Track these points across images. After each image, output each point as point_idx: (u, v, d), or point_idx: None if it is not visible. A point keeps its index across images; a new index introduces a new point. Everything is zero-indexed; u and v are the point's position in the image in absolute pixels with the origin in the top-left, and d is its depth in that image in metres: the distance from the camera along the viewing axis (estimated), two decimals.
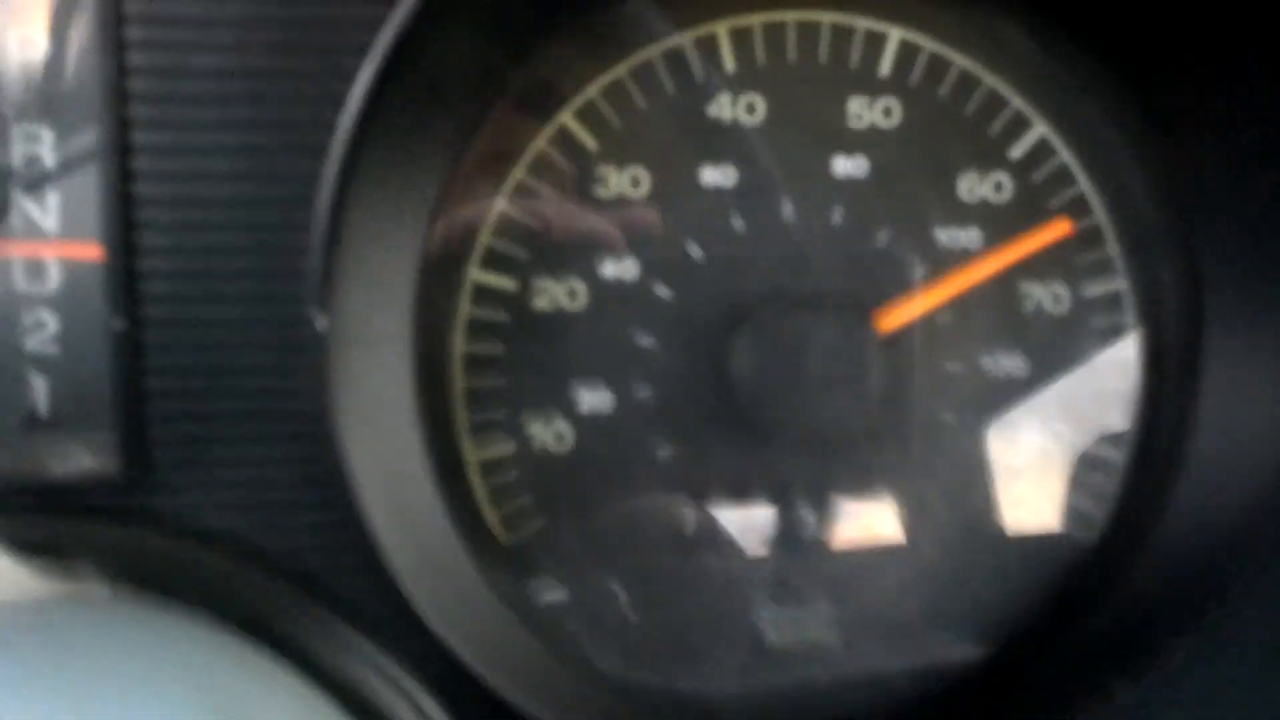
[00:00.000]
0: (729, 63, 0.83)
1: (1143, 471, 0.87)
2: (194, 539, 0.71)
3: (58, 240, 0.71)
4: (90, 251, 0.71)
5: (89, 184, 0.70)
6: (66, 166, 0.71)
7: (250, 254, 0.70)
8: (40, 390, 0.71)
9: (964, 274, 0.85)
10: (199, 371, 0.71)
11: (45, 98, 0.70)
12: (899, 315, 0.84)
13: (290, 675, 0.68)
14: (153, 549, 0.71)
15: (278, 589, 0.71)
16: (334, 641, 0.71)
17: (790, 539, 0.86)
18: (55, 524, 0.70)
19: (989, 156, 0.86)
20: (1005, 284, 0.87)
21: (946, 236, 0.85)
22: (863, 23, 0.84)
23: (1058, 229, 0.86)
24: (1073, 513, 0.88)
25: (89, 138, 0.70)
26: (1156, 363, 0.87)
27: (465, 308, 0.82)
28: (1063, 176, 0.86)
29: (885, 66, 0.85)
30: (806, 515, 0.86)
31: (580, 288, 0.83)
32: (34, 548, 0.68)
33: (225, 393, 0.71)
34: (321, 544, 0.72)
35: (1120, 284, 0.88)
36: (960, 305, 0.86)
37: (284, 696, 0.67)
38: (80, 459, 0.71)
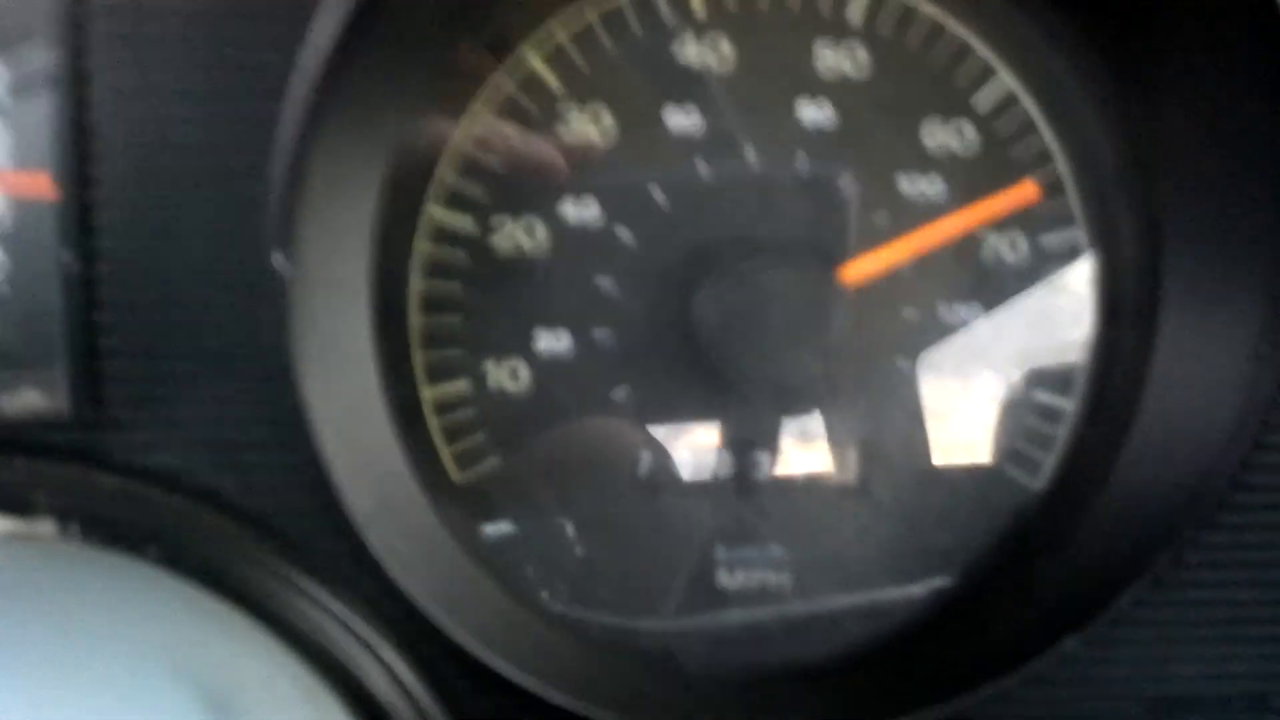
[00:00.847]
0: (698, 6, 0.82)
1: (1094, 420, 0.88)
2: (146, 478, 0.70)
3: (7, 172, 0.70)
4: (41, 185, 0.70)
5: (41, 116, 0.69)
6: (19, 96, 0.69)
7: (209, 193, 0.69)
8: None
9: (928, 231, 0.85)
10: (154, 309, 0.70)
11: None
12: (862, 269, 0.84)
13: (245, 618, 0.68)
14: (104, 488, 0.70)
15: (231, 530, 0.71)
16: (288, 584, 0.71)
17: (745, 481, 0.87)
18: (4, 462, 0.69)
19: (954, 106, 0.85)
20: (965, 234, 0.86)
21: (910, 185, 0.85)
22: None
23: (1024, 192, 0.86)
24: (1024, 459, 0.89)
25: (42, 69, 0.68)
26: (1112, 312, 0.88)
27: (425, 246, 0.81)
28: (1027, 128, 0.86)
29: (855, 13, 0.84)
30: (761, 458, 0.86)
31: (540, 229, 0.82)
32: None
33: (180, 331, 0.70)
34: (277, 484, 0.72)
35: (1079, 235, 0.88)
36: (922, 257, 0.85)
37: (238, 640, 0.67)
38: (30, 396, 0.70)
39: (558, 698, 0.74)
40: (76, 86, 0.67)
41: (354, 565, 0.72)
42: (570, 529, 0.85)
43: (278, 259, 0.67)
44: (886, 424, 0.88)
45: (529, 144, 0.82)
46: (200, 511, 0.71)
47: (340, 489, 0.70)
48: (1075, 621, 0.78)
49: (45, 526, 0.68)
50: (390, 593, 0.72)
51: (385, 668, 0.71)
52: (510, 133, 0.81)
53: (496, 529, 0.84)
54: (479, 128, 0.81)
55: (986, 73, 0.85)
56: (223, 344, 0.70)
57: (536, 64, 0.81)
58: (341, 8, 0.67)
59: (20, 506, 0.68)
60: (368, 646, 0.71)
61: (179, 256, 0.69)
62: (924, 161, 0.85)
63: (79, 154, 0.67)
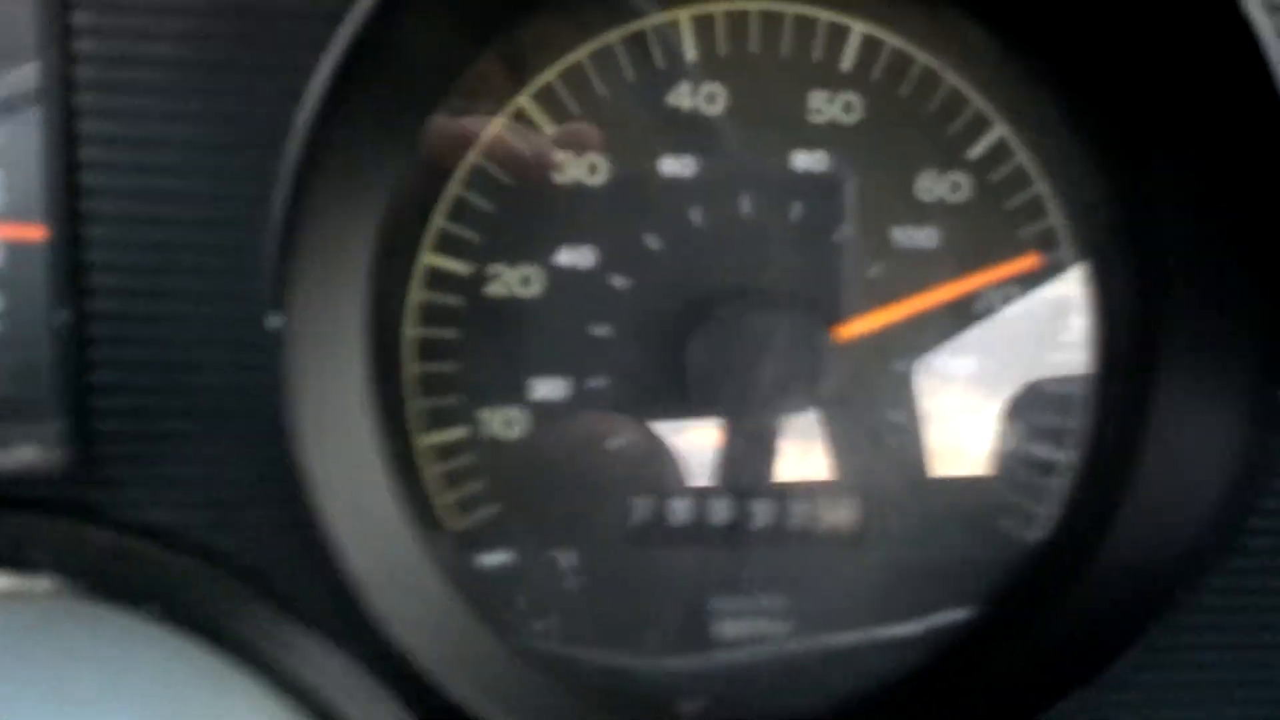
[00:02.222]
0: (690, 50, 0.82)
1: (1094, 474, 0.88)
2: (140, 534, 0.70)
3: (2, 220, 0.70)
4: (35, 233, 0.69)
5: (35, 167, 0.69)
6: (10, 147, 0.69)
7: (201, 249, 0.69)
8: None
9: (926, 295, 0.85)
10: (148, 366, 0.70)
11: None
12: (858, 328, 0.84)
13: (242, 674, 0.68)
14: (99, 544, 0.70)
15: (226, 587, 0.71)
16: (284, 641, 0.71)
17: (740, 530, 0.87)
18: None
19: (948, 156, 0.86)
20: (959, 284, 0.87)
21: (904, 235, 0.85)
22: (826, 15, 0.83)
23: (1026, 262, 0.86)
24: (1022, 514, 0.89)
25: (34, 121, 0.68)
26: (1108, 367, 0.88)
27: (418, 292, 0.81)
28: (1020, 178, 0.86)
29: (847, 61, 0.84)
30: (758, 507, 0.87)
31: (535, 275, 0.82)
32: None
33: (174, 387, 0.70)
34: (271, 541, 0.72)
35: (1073, 286, 0.88)
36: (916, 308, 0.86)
37: (234, 698, 0.67)
38: (24, 449, 0.70)
39: None
40: (66, 140, 0.67)
41: (350, 621, 0.72)
42: (567, 578, 0.85)
43: (273, 320, 0.68)
44: (883, 473, 0.88)
45: (531, 145, 0.82)
46: (196, 567, 0.71)
47: (335, 545, 0.70)
48: (1072, 680, 0.78)
49: (41, 582, 0.68)
50: (387, 648, 0.72)
51: None
52: (514, 142, 0.81)
53: (489, 560, 0.84)
54: (472, 171, 0.81)
55: (981, 123, 0.86)
56: (217, 399, 0.70)
57: (525, 103, 0.81)
58: (334, 61, 0.67)
59: (17, 563, 0.68)
60: (366, 702, 0.71)
61: (172, 312, 0.69)
62: (919, 212, 0.85)
63: (71, 213, 0.67)
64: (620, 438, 0.85)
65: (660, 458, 0.86)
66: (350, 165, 0.72)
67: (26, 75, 0.67)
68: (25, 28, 0.68)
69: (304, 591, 0.72)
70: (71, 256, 0.68)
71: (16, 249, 0.70)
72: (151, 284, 0.69)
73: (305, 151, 0.68)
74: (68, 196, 0.67)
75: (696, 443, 0.86)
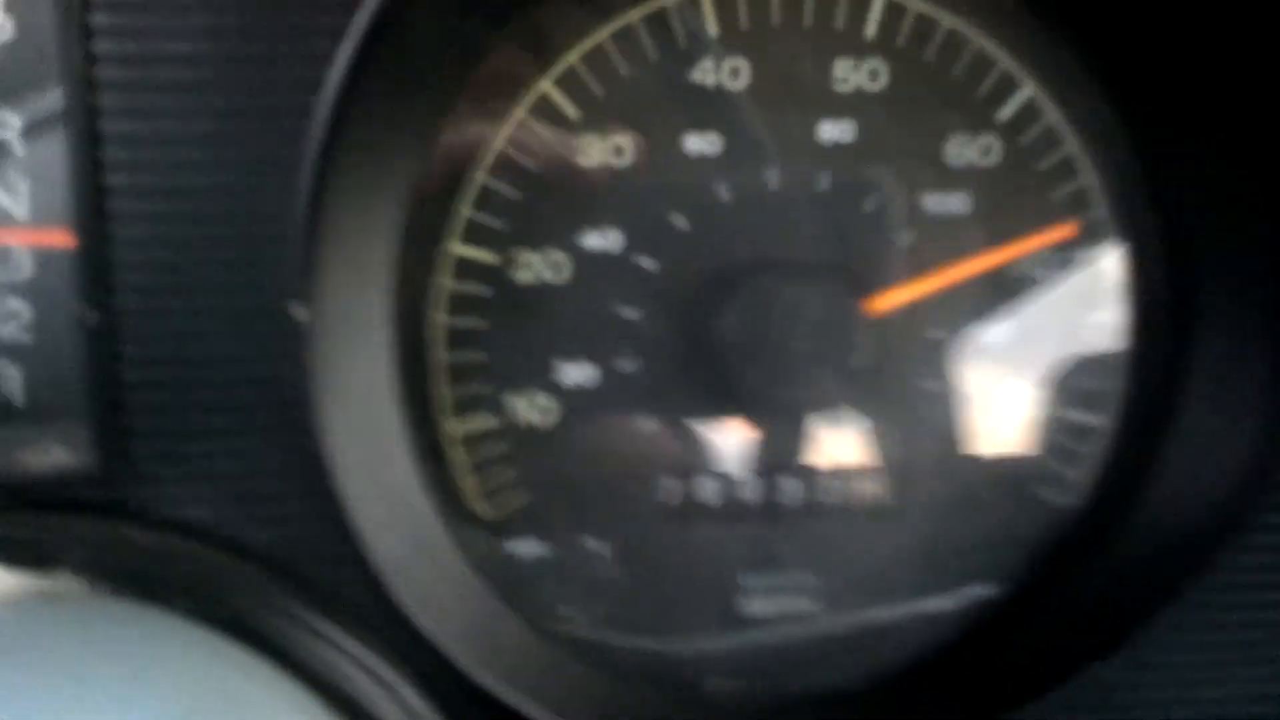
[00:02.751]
0: (712, 26, 0.81)
1: (1128, 439, 0.86)
2: (174, 532, 0.70)
3: (28, 227, 0.70)
4: (61, 239, 0.70)
5: (60, 171, 0.69)
6: (34, 153, 0.69)
7: (226, 243, 0.69)
8: (14, 381, 0.70)
9: (959, 264, 0.84)
10: (176, 363, 0.70)
11: (10, 83, 0.68)
12: (891, 300, 0.83)
13: (274, 672, 0.68)
14: (132, 543, 0.70)
15: (260, 582, 0.71)
16: (316, 633, 0.71)
17: (772, 507, 0.86)
18: (31, 519, 0.69)
19: (977, 119, 0.84)
20: (992, 249, 0.85)
21: (934, 202, 0.84)
22: None
23: (1062, 230, 0.85)
24: (1054, 477, 0.88)
25: (57, 124, 0.68)
26: (1145, 329, 0.86)
27: (446, 282, 0.81)
28: (1050, 138, 0.85)
29: (871, 27, 0.83)
30: (789, 484, 0.86)
31: (563, 259, 0.82)
32: (9, 544, 0.68)
33: (203, 383, 0.70)
34: (304, 535, 0.72)
35: (1108, 247, 0.86)
36: (949, 275, 0.84)
37: (268, 695, 0.67)
38: (56, 452, 0.70)
39: None
40: (90, 142, 0.67)
41: (381, 613, 0.71)
42: (599, 559, 0.85)
43: (300, 311, 0.67)
44: (915, 445, 0.87)
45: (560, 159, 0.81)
46: (229, 562, 0.71)
47: (364, 536, 0.70)
48: (1108, 644, 0.77)
49: (74, 582, 0.68)
50: (417, 639, 0.72)
51: (413, 716, 0.71)
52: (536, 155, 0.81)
53: (526, 549, 0.84)
54: (497, 159, 0.80)
55: (1009, 84, 0.84)
56: (246, 394, 0.70)
57: (549, 88, 0.80)
58: (352, 49, 0.67)
59: (49, 563, 0.68)
60: (396, 694, 0.71)
61: (199, 308, 0.69)
62: (949, 178, 0.84)
63: (96, 211, 0.67)
64: (651, 418, 0.83)
65: (692, 437, 0.85)
66: (372, 154, 0.71)
67: (50, 81, 0.67)
68: (48, 33, 0.68)
69: (335, 582, 0.72)
70: (98, 256, 0.68)
71: (43, 256, 0.70)
72: (178, 280, 0.69)
73: (326, 141, 0.67)
74: (93, 197, 0.67)
75: (730, 420, 0.85)
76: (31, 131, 0.69)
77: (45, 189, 0.70)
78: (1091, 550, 0.85)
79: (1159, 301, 0.86)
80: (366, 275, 0.75)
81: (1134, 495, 0.84)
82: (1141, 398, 0.86)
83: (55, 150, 0.69)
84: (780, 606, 0.87)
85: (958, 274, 0.84)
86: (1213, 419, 0.82)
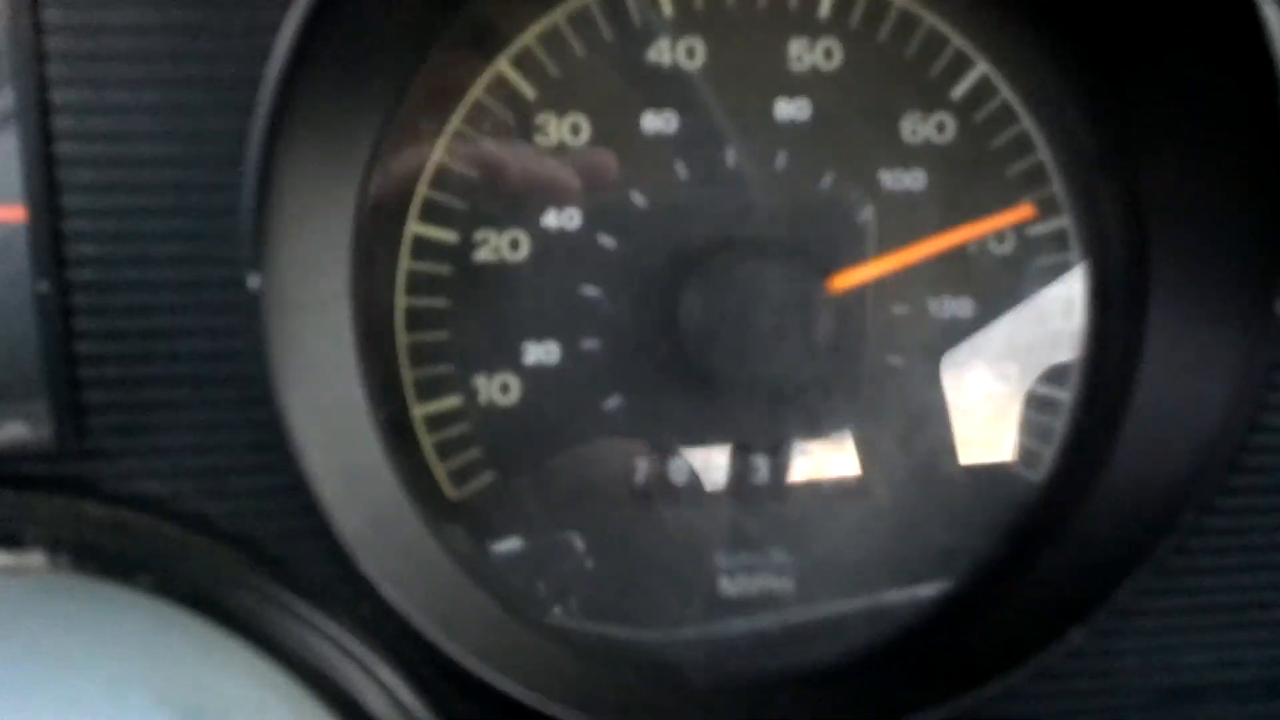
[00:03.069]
0: (667, 6, 0.82)
1: (1090, 410, 0.87)
2: (134, 507, 0.70)
3: None
4: (13, 213, 0.69)
5: (9, 144, 0.68)
6: None
7: (179, 214, 0.69)
8: None
9: (919, 244, 0.85)
10: (132, 336, 0.69)
11: None
12: (852, 278, 0.83)
13: (238, 644, 0.68)
14: (91, 519, 0.69)
15: (221, 556, 0.70)
16: (281, 607, 0.70)
17: (743, 487, 0.86)
18: None
19: (931, 97, 0.85)
20: (949, 225, 0.86)
21: (891, 179, 0.85)
22: None
23: (1020, 212, 0.86)
24: (1022, 451, 0.88)
25: (4, 97, 0.68)
26: (1102, 300, 0.87)
27: (405, 262, 0.81)
28: (1005, 115, 0.86)
29: (825, 7, 0.84)
30: (759, 463, 0.86)
31: (522, 238, 0.82)
32: None
33: (160, 356, 0.70)
34: (266, 509, 0.71)
35: (1065, 221, 0.87)
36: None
37: (230, 666, 0.66)
38: (12, 427, 0.69)
39: (560, 712, 0.73)
40: (39, 111, 0.67)
41: (347, 587, 0.71)
42: (568, 541, 0.85)
43: (253, 280, 0.67)
44: (884, 423, 0.87)
45: (542, 165, 0.82)
46: (190, 538, 0.70)
47: (329, 510, 0.70)
48: (1080, 613, 0.77)
49: (35, 558, 0.67)
50: (385, 613, 0.71)
51: (383, 689, 0.70)
52: (507, 151, 0.81)
53: (496, 543, 0.84)
54: (454, 137, 0.81)
55: (963, 62, 0.85)
56: (205, 368, 0.70)
57: (505, 68, 0.81)
58: (300, 17, 0.67)
59: (8, 539, 0.67)
60: (364, 668, 0.70)
61: (153, 280, 0.69)
62: (905, 155, 0.85)
63: (46, 182, 0.67)
64: (616, 398, 0.84)
65: (658, 416, 0.85)
66: (322, 123, 0.71)
67: None
68: None
69: (297, 557, 0.71)
70: (50, 227, 0.67)
71: None
72: (131, 251, 0.69)
73: (276, 110, 0.67)
74: (43, 167, 0.67)
75: (695, 399, 0.85)
76: None
77: None
78: (1060, 521, 0.85)
79: (1116, 274, 0.86)
80: (323, 248, 0.75)
81: (1100, 465, 0.84)
82: (1102, 370, 0.87)
83: (5, 124, 0.69)
84: (755, 586, 0.87)
85: (917, 253, 0.85)
86: (1173, 389, 0.82)
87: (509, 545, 0.84)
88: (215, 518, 0.71)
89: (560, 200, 0.82)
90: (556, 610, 0.85)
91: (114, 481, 0.70)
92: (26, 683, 0.57)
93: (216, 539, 0.71)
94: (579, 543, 0.85)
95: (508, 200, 0.82)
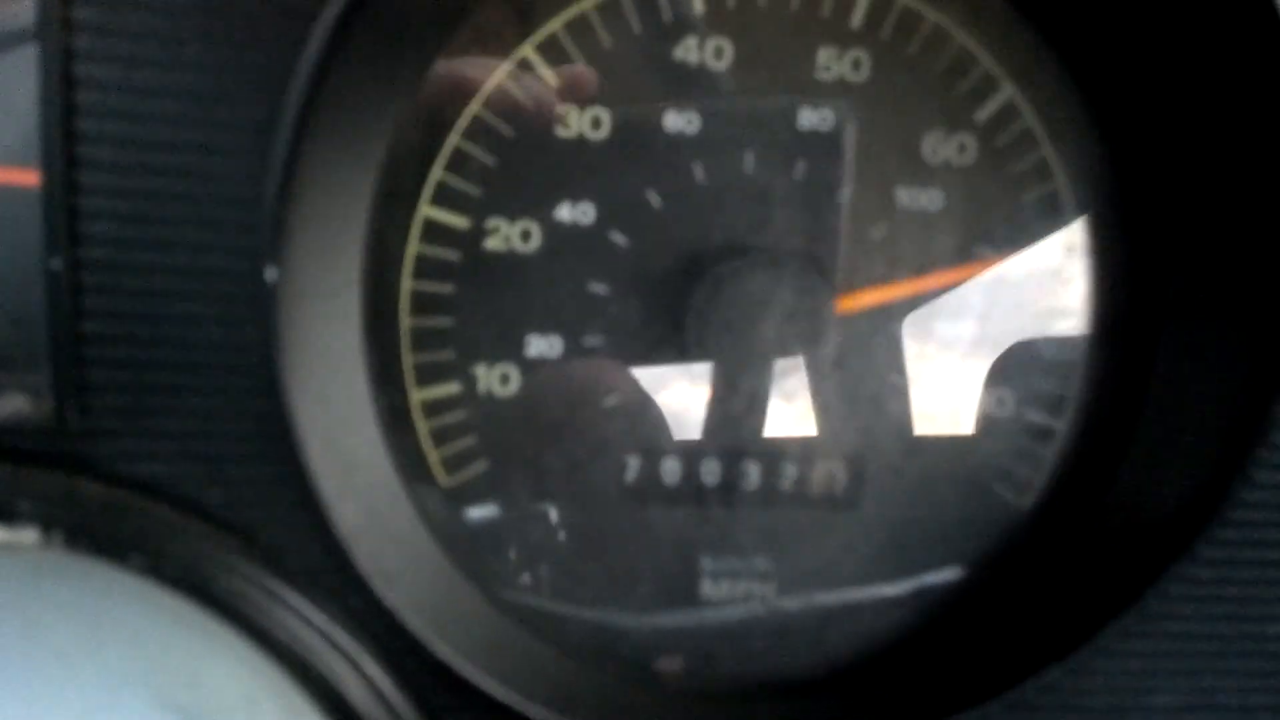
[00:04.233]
0: (698, 3, 0.81)
1: (1084, 443, 0.88)
2: (131, 487, 0.69)
3: None
4: (27, 178, 0.68)
5: (29, 108, 0.67)
6: (3, 90, 0.67)
7: (198, 199, 0.67)
8: None
9: (931, 275, 0.85)
10: (141, 317, 0.68)
11: None
12: (862, 300, 0.83)
13: (226, 629, 0.68)
14: (87, 497, 0.69)
15: (216, 541, 0.70)
16: (272, 595, 0.70)
17: (731, 491, 0.86)
18: None
19: (955, 117, 0.84)
20: (962, 249, 0.86)
21: (908, 196, 0.84)
22: None
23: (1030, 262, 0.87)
24: (1012, 478, 0.89)
25: (29, 65, 0.66)
26: (1107, 336, 0.87)
27: (415, 245, 0.80)
28: (1026, 141, 0.85)
29: (857, 17, 0.83)
30: (749, 468, 0.86)
31: (534, 230, 0.81)
32: None
33: (167, 340, 0.69)
34: (263, 496, 0.71)
35: (1076, 253, 0.87)
36: (918, 272, 0.85)
37: (218, 652, 0.66)
38: (15, 402, 0.69)
39: (540, 713, 0.74)
40: (63, 83, 0.65)
41: (338, 578, 0.71)
42: (557, 533, 0.85)
43: (270, 272, 0.66)
44: (875, 436, 0.87)
45: (533, 95, 0.80)
46: (185, 521, 0.70)
47: (325, 501, 0.70)
48: (1059, 648, 0.78)
49: (28, 534, 0.67)
50: (374, 606, 0.71)
51: (367, 681, 0.71)
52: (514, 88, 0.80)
53: (478, 513, 0.84)
54: (473, 122, 0.79)
55: (990, 84, 0.84)
56: (210, 353, 0.69)
57: (529, 53, 0.80)
58: (333, 5, 0.66)
59: (3, 514, 0.67)
60: (350, 660, 0.70)
61: (167, 263, 0.68)
62: (924, 175, 0.84)
63: (66, 158, 0.66)
64: (614, 394, 0.83)
65: (654, 416, 0.85)
66: (350, 113, 0.70)
67: (22, 15, 0.65)
68: None
69: (292, 546, 0.71)
70: (65, 202, 0.66)
71: (7, 193, 0.68)
72: (146, 233, 0.67)
73: (305, 98, 0.66)
74: (63, 141, 0.65)
75: (691, 402, 0.85)
76: (1, 68, 0.67)
77: (12, 126, 0.68)
78: (1045, 551, 0.86)
79: (1122, 309, 0.86)
80: (338, 238, 0.74)
81: (1089, 500, 0.85)
82: (1101, 405, 0.87)
83: (25, 89, 0.67)
84: (736, 590, 0.87)
85: (930, 283, 0.85)
86: (1169, 429, 0.83)
87: (495, 533, 0.84)
88: (211, 503, 0.71)
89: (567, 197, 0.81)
90: (527, 578, 0.85)
91: (112, 461, 0.69)
92: (16, 669, 0.57)
93: (211, 524, 0.70)
94: (564, 534, 0.85)
95: (521, 189, 0.81)
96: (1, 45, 0.67)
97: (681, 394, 0.85)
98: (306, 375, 0.70)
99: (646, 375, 0.85)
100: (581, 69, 0.80)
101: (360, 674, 0.71)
